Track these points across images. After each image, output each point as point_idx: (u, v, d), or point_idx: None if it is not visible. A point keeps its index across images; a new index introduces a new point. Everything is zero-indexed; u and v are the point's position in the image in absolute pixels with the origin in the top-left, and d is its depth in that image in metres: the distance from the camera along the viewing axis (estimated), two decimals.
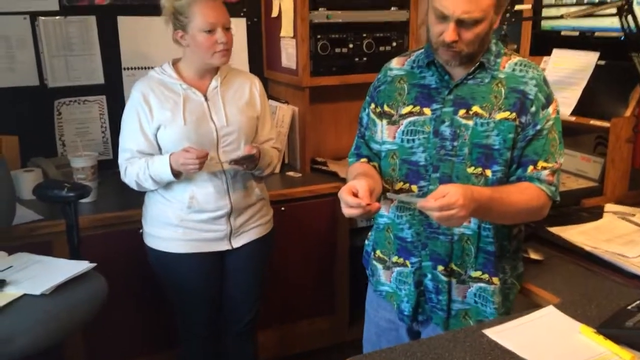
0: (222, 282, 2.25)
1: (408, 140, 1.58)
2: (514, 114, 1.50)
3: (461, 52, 1.46)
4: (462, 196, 1.33)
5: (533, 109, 1.51)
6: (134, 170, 2.06)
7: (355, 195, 1.40)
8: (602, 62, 2.28)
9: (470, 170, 1.53)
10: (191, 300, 2.22)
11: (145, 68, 2.89)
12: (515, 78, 1.53)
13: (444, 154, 1.54)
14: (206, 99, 2.09)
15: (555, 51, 2.45)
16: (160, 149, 2.08)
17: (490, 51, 1.54)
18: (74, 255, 2.12)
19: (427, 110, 1.56)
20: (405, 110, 1.59)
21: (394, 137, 1.60)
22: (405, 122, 1.58)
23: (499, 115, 1.51)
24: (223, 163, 2.10)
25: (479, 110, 1.52)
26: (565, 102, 2.28)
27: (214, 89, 2.11)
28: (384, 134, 1.63)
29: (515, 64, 1.55)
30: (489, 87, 1.53)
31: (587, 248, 1.81)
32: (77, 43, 2.79)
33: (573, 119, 2.27)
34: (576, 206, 2.15)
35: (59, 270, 1.89)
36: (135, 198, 2.28)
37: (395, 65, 1.66)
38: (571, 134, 2.43)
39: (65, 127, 2.84)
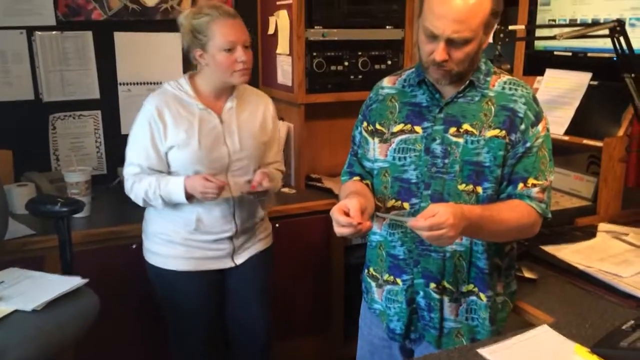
0: (226, 303, 2.22)
1: (400, 158, 1.59)
2: (503, 131, 1.51)
3: (451, 71, 1.47)
4: (452, 215, 1.32)
5: (522, 126, 1.51)
6: (142, 187, 2.00)
7: (347, 214, 1.40)
8: (595, 83, 2.29)
9: (461, 187, 1.53)
10: (190, 319, 2.17)
11: (141, 84, 2.90)
12: (504, 96, 1.54)
13: (435, 172, 1.54)
14: (221, 121, 2.05)
15: (548, 71, 2.46)
16: (168, 166, 2.04)
17: (480, 70, 1.55)
18: (67, 270, 2.11)
19: (418, 129, 1.57)
20: (397, 128, 1.60)
21: (386, 155, 1.61)
22: (396, 140, 1.59)
23: (489, 133, 1.52)
24: (232, 187, 2.06)
25: (469, 128, 1.52)
26: (558, 122, 2.29)
27: (229, 110, 2.06)
28: (376, 152, 1.63)
29: (505, 82, 1.56)
30: (479, 105, 1.54)
31: (581, 267, 1.80)
32: (73, 58, 2.79)
33: (566, 138, 2.27)
34: (570, 225, 2.15)
35: (51, 286, 1.89)
36: (129, 213, 2.27)
37: (387, 84, 1.67)
38: (564, 153, 2.44)
39: (59, 141, 2.83)
